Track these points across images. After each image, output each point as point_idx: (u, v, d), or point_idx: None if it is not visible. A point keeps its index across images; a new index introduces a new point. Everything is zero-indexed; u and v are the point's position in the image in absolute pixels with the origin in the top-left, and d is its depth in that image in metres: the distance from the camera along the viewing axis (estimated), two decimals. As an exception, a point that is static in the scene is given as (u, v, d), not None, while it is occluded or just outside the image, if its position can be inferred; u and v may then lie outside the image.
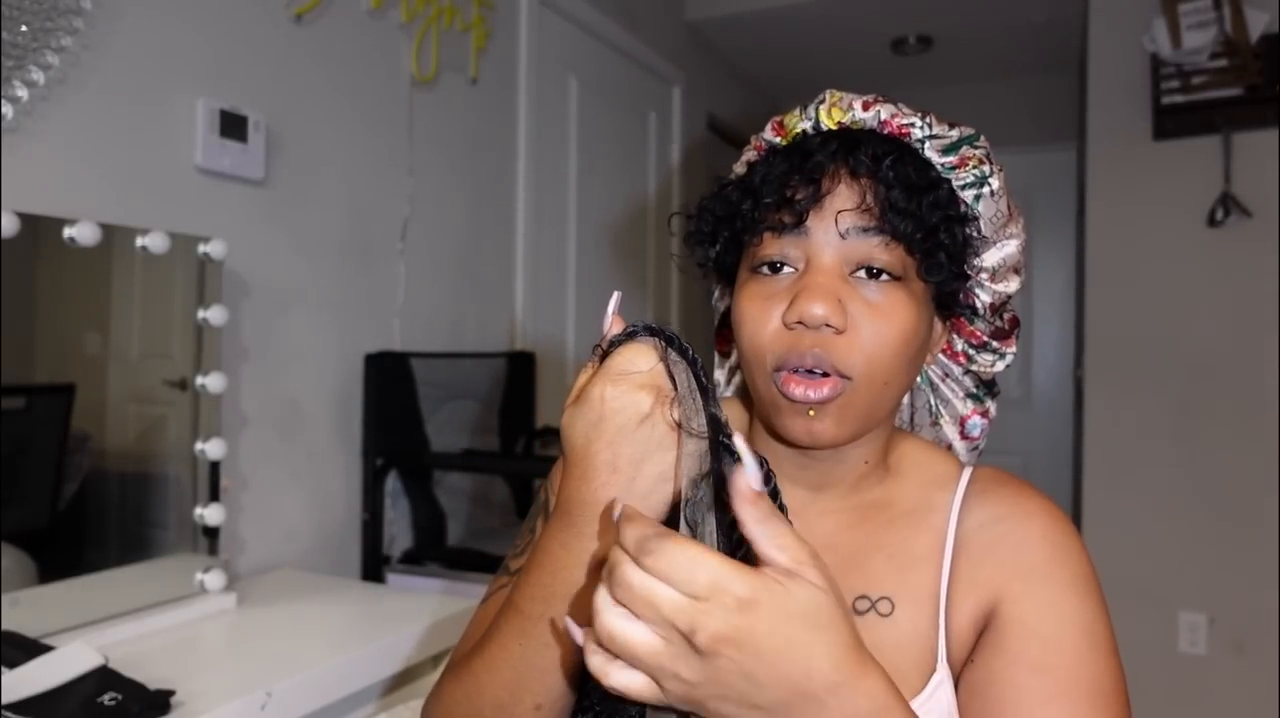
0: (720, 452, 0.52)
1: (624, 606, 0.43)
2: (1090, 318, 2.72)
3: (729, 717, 0.44)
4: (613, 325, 0.56)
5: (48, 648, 0.98)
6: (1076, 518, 2.87)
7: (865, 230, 0.61)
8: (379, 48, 1.82)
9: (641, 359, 0.53)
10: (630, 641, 0.43)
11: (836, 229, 0.61)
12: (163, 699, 0.93)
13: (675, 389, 0.53)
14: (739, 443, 0.47)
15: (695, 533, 0.52)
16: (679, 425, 0.52)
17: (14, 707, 0.88)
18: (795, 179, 0.62)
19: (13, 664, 0.93)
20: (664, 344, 0.54)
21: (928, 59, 3.51)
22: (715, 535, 0.51)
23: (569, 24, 2.47)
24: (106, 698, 0.91)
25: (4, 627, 1.03)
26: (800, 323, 0.60)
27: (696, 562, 0.42)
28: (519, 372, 2.13)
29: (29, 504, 1.15)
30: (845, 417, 0.61)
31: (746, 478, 0.44)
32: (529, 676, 0.57)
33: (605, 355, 0.55)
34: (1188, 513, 2.58)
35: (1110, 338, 2.69)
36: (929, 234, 0.61)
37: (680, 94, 3.09)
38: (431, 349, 1.95)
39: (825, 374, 0.60)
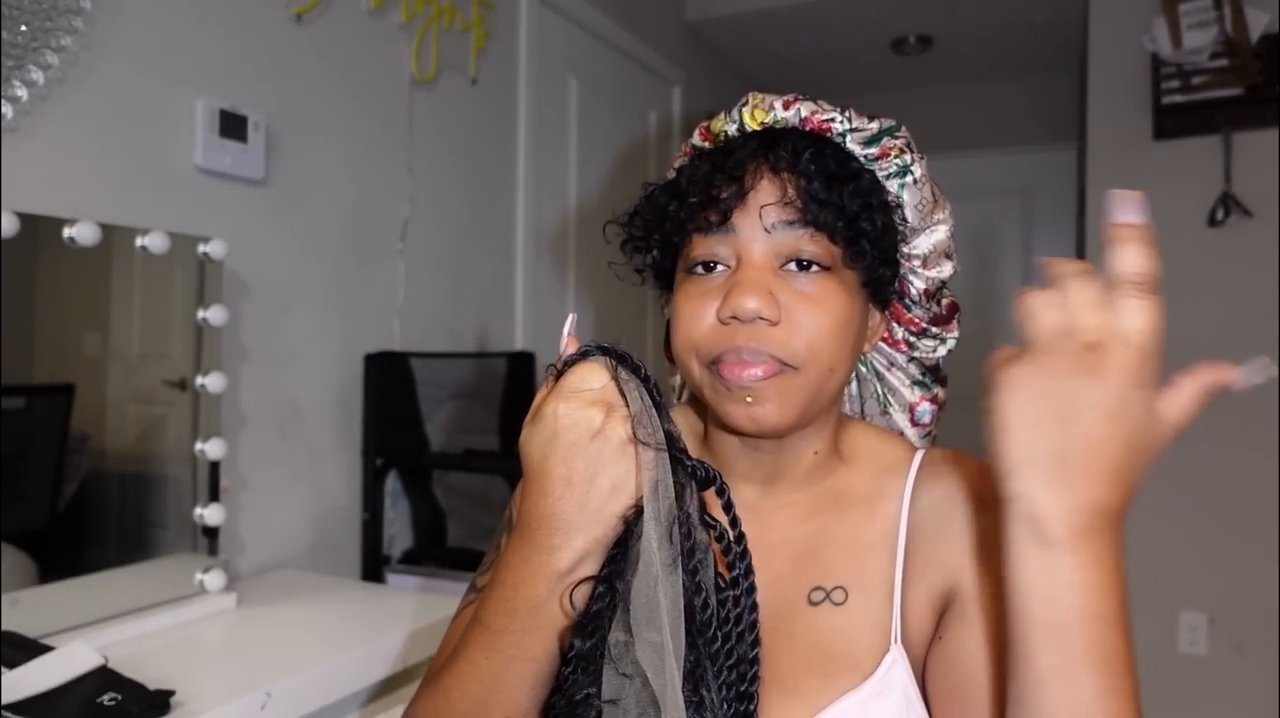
0: (675, 465, 0.55)
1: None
2: (1090, 318, 2.72)
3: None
4: (568, 346, 0.58)
5: (48, 648, 0.98)
6: (1076, 518, 2.87)
7: (789, 223, 0.62)
8: (379, 48, 1.81)
9: (593, 378, 0.56)
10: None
11: (762, 224, 0.62)
12: (163, 699, 0.93)
13: (628, 405, 0.55)
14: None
15: (656, 536, 0.54)
16: (635, 438, 0.54)
17: (14, 707, 0.88)
18: (719, 178, 0.64)
19: (13, 664, 0.93)
20: (615, 363, 0.56)
21: (928, 59, 3.51)
22: (678, 539, 0.53)
23: (569, 24, 2.47)
24: (106, 698, 0.91)
25: (4, 627, 1.03)
26: (734, 318, 0.61)
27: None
28: (519, 372, 2.13)
29: (29, 504, 1.15)
30: (786, 401, 0.62)
31: None
32: (496, 689, 0.58)
33: (560, 375, 0.57)
34: (1188, 513, 2.58)
35: (1110, 338, 2.69)
36: (850, 222, 0.63)
37: (680, 94, 3.09)
38: (431, 349, 1.95)
39: (765, 365, 0.61)
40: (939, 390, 0.77)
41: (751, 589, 0.56)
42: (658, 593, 0.52)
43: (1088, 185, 2.74)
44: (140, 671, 0.98)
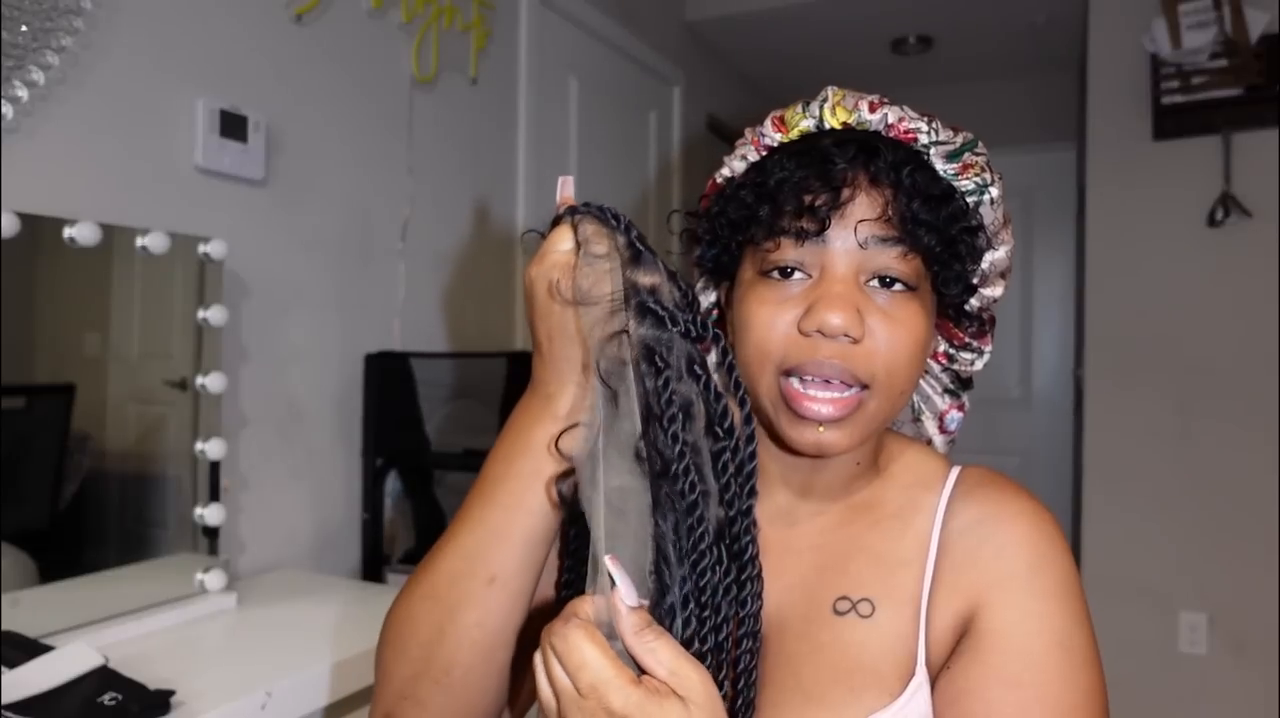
0: (644, 313, 0.53)
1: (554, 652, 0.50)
2: (1090, 318, 2.72)
3: None
4: (561, 206, 0.60)
5: (48, 648, 0.98)
6: (1076, 518, 2.87)
7: (885, 241, 0.60)
8: (379, 48, 1.81)
9: (563, 241, 0.57)
10: (540, 681, 0.51)
11: (855, 238, 0.60)
12: (163, 699, 0.93)
13: (586, 262, 0.55)
14: (610, 565, 0.50)
15: (607, 401, 0.53)
16: (574, 298, 0.55)
17: (14, 707, 0.88)
18: (815, 185, 0.61)
19: (13, 664, 0.93)
20: (597, 217, 0.56)
21: (928, 59, 3.51)
22: (634, 408, 0.52)
23: (569, 24, 2.47)
24: (106, 698, 0.91)
25: (4, 627, 1.03)
26: (819, 332, 0.60)
27: (586, 662, 0.48)
28: (519, 372, 2.13)
29: (29, 504, 1.15)
30: (855, 430, 0.62)
31: (622, 595, 0.49)
32: (487, 542, 0.60)
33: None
34: (1188, 513, 2.58)
35: (1110, 338, 2.69)
36: (948, 246, 0.61)
37: (680, 94, 3.09)
38: (431, 349, 1.95)
39: (843, 384, 0.60)
40: (965, 398, 0.76)
41: (751, 439, 0.55)
42: (597, 446, 0.52)
43: (1088, 185, 2.74)
44: (140, 671, 0.98)
